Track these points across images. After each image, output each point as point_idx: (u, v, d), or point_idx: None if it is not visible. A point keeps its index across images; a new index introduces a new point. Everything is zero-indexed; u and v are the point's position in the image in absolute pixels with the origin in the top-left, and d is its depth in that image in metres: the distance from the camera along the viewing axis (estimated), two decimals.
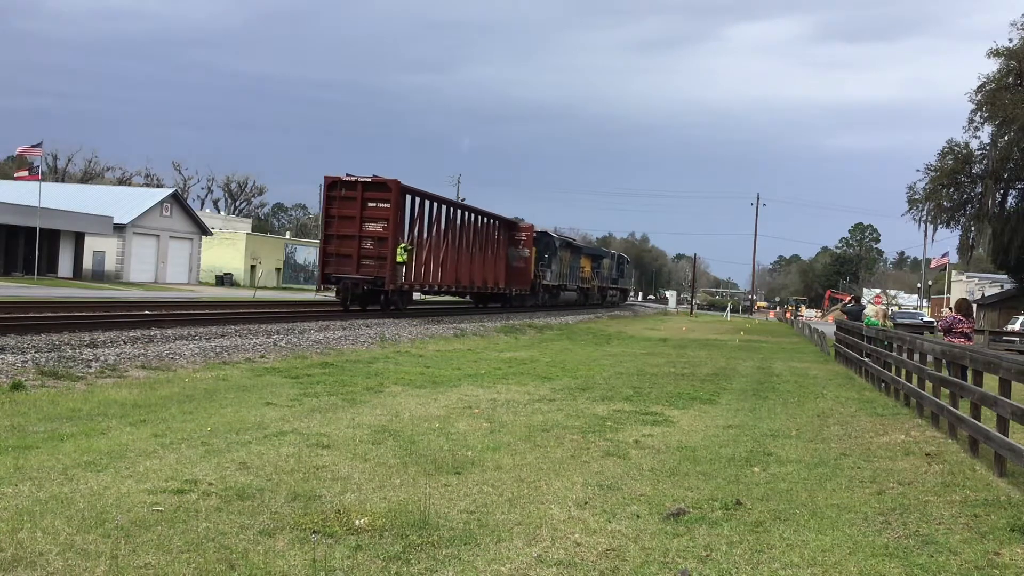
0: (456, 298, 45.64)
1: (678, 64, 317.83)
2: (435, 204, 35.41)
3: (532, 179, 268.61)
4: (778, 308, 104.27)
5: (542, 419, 10.85)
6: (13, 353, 13.16)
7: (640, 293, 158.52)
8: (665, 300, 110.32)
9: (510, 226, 47.39)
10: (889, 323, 23.03)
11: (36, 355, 13.19)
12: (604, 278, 69.20)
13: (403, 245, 30.85)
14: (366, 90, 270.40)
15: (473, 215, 40.64)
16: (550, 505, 6.68)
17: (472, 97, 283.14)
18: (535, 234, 48.86)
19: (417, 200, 33.24)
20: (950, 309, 17.84)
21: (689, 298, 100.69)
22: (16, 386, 10.95)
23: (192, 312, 25.14)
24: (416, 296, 38.71)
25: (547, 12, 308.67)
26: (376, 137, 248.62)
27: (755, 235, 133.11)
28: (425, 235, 34.19)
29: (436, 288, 36.55)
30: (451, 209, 37.70)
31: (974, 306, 44.93)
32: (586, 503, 6.81)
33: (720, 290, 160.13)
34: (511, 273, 46.03)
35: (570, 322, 41.86)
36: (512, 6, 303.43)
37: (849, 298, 55.58)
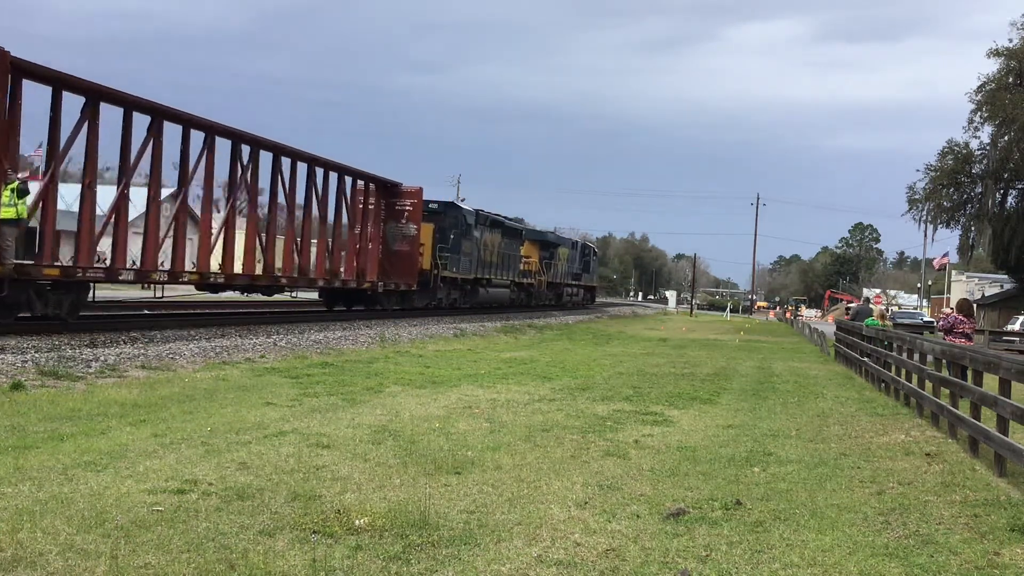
0: (269, 298, 29.18)
1: (679, 64, 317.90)
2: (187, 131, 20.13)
3: (532, 179, 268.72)
4: (778, 308, 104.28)
5: (542, 419, 10.85)
6: (13, 353, 13.16)
7: (640, 293, 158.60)
8: (665, 300, 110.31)
9: (385, 190, 30.87)
10: (888, 323, 23.03)
11: (36, 355, 13.19)
12: (561, 272, 53.88)
13: (12, 184, 15.51)
14: (365, 89, 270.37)
15: (300, 163, 25.16)
16: (550, 505, 6.68)
17: (472, 97, 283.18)
18: (434, 205, 34.43)
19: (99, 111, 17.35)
20: (951, 309, 17.83)
21: (689, 298, 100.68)
22: (16, 386, 10.95)
23: (192, 312, 25.12)
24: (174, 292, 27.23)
25: (548, 13, 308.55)
26: (375, 136, 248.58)
27: (755, 235, 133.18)
28: (142, 179, 20.27)
29: (212, 281, 21.52)
30: (247, 149, 22.62)
31: (975, 306, 44.97)
32: (586, 503, 6.81)
33: (720, 290, 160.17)
34: (389, 261, 30.86)
35: (570, 322, 41.84)
36: (513, 7, 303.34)
37: (853, 299, 55.58)
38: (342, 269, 28.69)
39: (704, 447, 9.52)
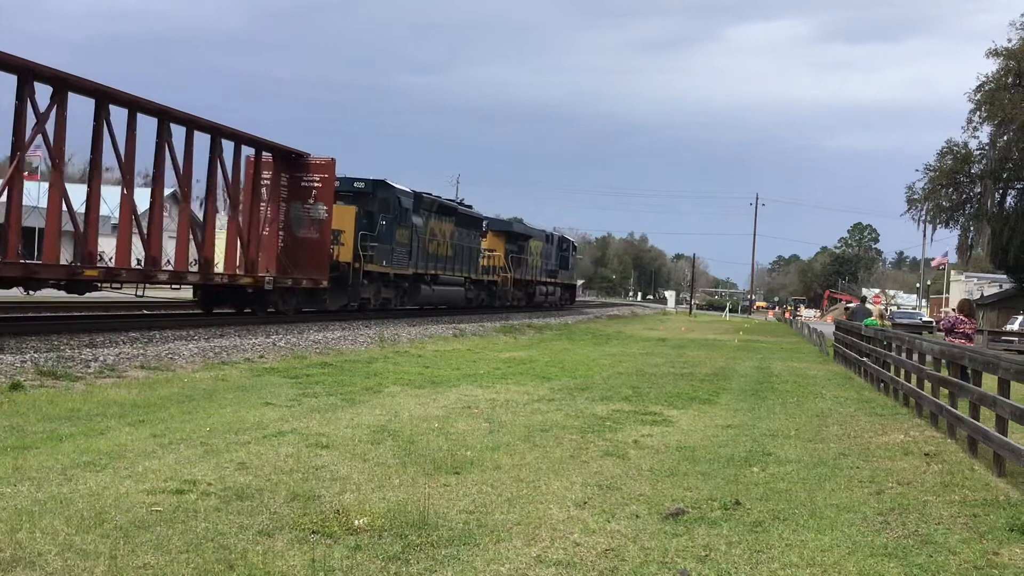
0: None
1: (679, 64, 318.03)
2: None
3: (532, 179, 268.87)
4: (777, 308, 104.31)
5: (541, 419, 10.85)
6: (12, 353, 13.15)
7: (639, 293, 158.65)
8: (664, 300, 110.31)
9: (287, 161, 24.86)
10: (887, 323, 23.04)
11: (35, 355, 13.18)
12: (532, 268, 47.19)
13: None
14: (364, 89, 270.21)
15: (142, 115, 19.04)
16: (549, 505, 6.68)
17: (472, 97, 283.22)
18: (360, 184, 28.38)
19: None
20: (953, 310, 17.82)
21: (688, 298, 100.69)
22: (15, 386, 10.94)
23: (192, 312, 25.10)
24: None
25: (547, 13, 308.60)
26: (374, 136, 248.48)
27: (754, 235, 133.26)
28: None
29: None
30: (48, 90, 16.61)
31: (976, 306, 44.96)
32: (585, 503, 6.81)
33: (719, 290, 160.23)
34: (293, 251, 24.72)
35: (569, 322, 41.83)
36: (512, 7, 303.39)
37: (852, 299, 55.56)
38: (219, 261, 22.52)
39: (703, 447, 9.52)
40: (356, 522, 5.86)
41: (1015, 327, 42.17)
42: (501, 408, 11.63)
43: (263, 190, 24.14)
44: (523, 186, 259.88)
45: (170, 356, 15.01)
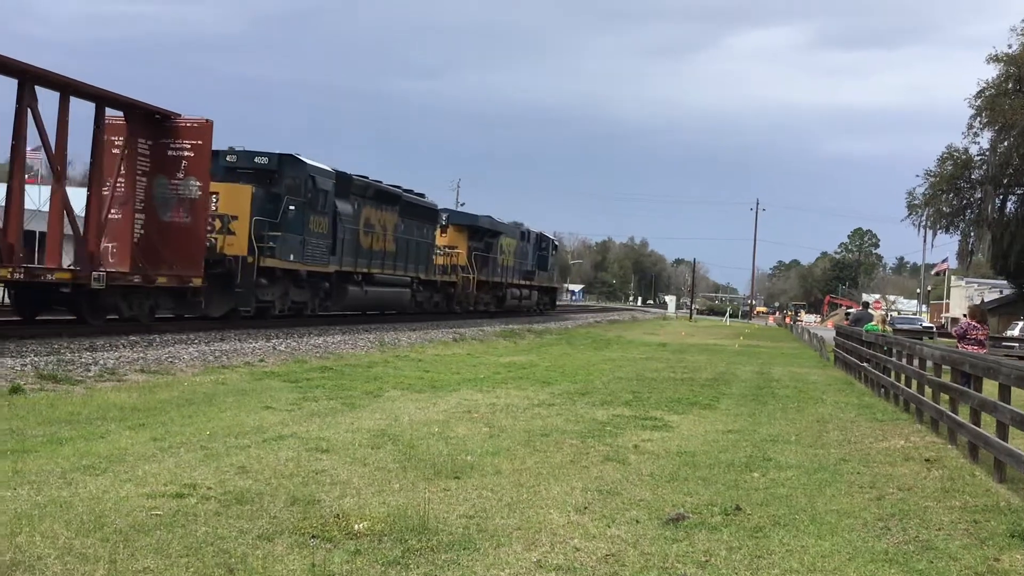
0: None
1: (679, 70, 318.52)
2: None
3: (532, 183, 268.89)
4: (777, 313, 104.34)
5: (541, 424, 10.85)
6: (12, 356, 13.15)
7: (639, 298, 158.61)
8: (664, 305, 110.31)
9: (146, 123, 19.22)
10: (889, 328, 23.04)
11: (35, 359, 13.18)
12: (503, 269, 41.85)
13: None
14: (366, 94, 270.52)
15: None
16: (549, 510, 6.67)
17: (472, 102, 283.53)
18: (261, 159, 23.16)
19: None
20: (964, 315, 17.77)
21: (688, 303, 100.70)
22: (15, 390, 10.93)
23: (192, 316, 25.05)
24: None
25: (548, 17, 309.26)
26: (375, 142, 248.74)
27: (755, 240, 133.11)
28: None
29: None
30: None
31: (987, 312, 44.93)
32: (585, 508, 6.81)
33: (719, 295, 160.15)
34: (159, 237, 19.25)
35: (569, 327, 41.83)
36: (512, 11, 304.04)
37: (852, 304, 55.48)
38: (36, 253, 18.32)
39: (704, 452, 9.51)
40: (356, 526, 5.85)
41: (1016, 333, 42.16)
42: (501, 413, 11.63)
43: (111, 159, 18.35)
44: (524, 190, 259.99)
45: (170, 360, 15.01)
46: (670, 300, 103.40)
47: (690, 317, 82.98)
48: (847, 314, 43.71)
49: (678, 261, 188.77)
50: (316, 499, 6.57)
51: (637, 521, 6.49)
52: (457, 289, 36.78)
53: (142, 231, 19.18)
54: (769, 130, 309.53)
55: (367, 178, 28.52)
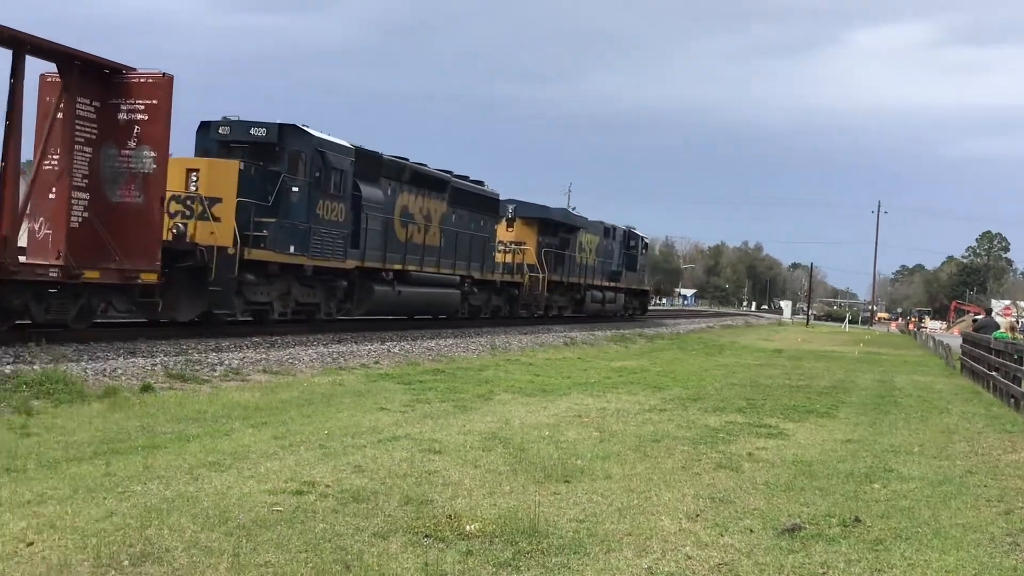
0: None
1: (793, 71, 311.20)
2: None
3: (644, 188, 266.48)
4: (900, 319, 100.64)
5: (652, 429, 10.76)
6: (143, 356, 13.80)
7: (753, 303, 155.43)
8: (779, 310, 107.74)
9: (92, 79, 14.65)
10: (1019, 336, 21.97)
11: (164, 359, 13.79)
12: (582, 268, 37.33)
13: None
14: (480, 101, 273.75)
15: None
16: (660, 516, 6.62)
17: (585, 107, 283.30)
18: (259, 131, 19.31)
19: None
20: None
21: (805, 308, 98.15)
22: (146, 388, 11.49)
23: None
24: None
25: (657, 21, 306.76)
26: (489, 147, 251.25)
27: (875, 244, 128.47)
28: None
29: None
30: None
31: None
32: (697, 515, 6.72)
33: (838, 300, 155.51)
34: (109, 222, 14.73)
35: (680, 332, 41.32)
36: (621, 16, 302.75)
37: (979, 311, 53.00)
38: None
39: (821, 461, 9.26)
40: (468, 527, 5.93)
41: None
42: (612, 417, 11.58)
43: (41, 123, 14.55)
44: (634, 196, 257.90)
45: (291, 361, 15.49)
46: (785, 305, 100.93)
47: (807, 323, 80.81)
48: (974, 320, 41.65)
49: (794, 265, 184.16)
50: (429, 499, 6.68)
51: (751, 530, 6.38)
52: (523, 290, 31.82)
53: (84, 214, 14.62)
54: (890, 130, 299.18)
55: (405, 159, 24.07)
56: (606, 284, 40.43)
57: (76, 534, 5.37)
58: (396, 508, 6.39)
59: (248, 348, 16.39)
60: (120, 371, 12.37)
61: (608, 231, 41.54)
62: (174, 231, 16.73)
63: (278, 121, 19.47)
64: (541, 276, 32.69)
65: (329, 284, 21.01)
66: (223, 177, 17.60)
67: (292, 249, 18.94)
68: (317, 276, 20.39)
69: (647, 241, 49.24)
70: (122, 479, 6.74)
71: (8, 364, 11.65)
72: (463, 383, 14.50)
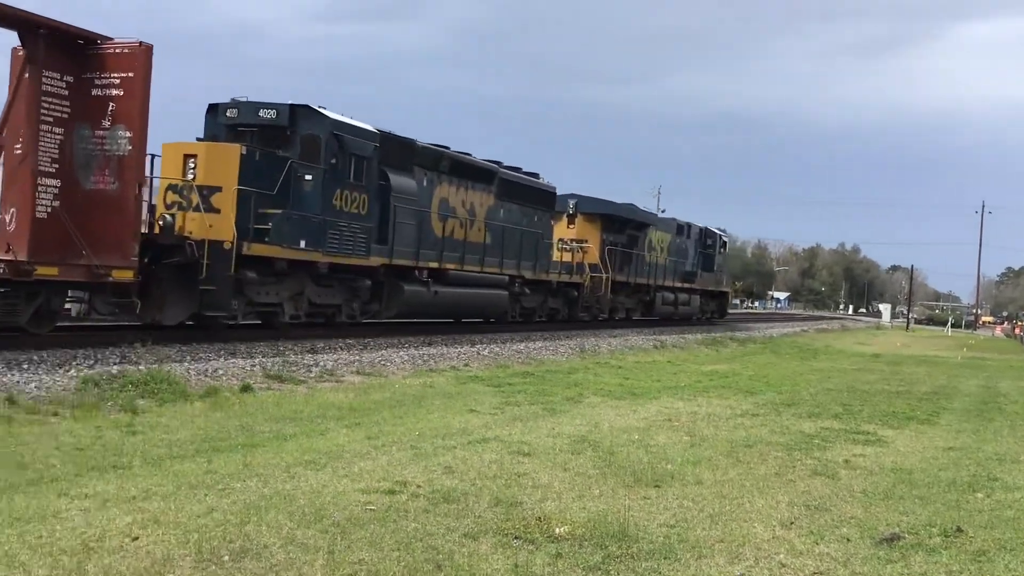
0: None
1: (891, 67, 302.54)
2: None
3: (734, 190, 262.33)
4: (1006, 323, 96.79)
5: (745, 434, 10.60)
6: (243, 357, 14.21)
7: (850, 307, 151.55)
8: (878, 314, 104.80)
9: (61, 50, 13.04)
10: None
11: (263, 360, 14.18)
12: (651, 268, 34.63)
13: None
14: (566, 103, 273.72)
15: None
16: (753, 523, 6.52)
17: (673, 108, 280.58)
18: (267, 113, 17.56)
19: None
20: None
21: (905, 312, 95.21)
22: (245, 388, 11.85)
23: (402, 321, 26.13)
24: None
25: (748, 19, 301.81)
26: (576, 149, 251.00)
27: (979, 245, 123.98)
28: None
29: None
30: None
31: None
32: (792, 523, 6.60)
33: (940, 304, 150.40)
34: (82, 212, 13.20)
35: (774, 335, 40.54)
36: (708, 15, 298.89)
37: None
38: None
39: (921, 469, 8.99)
40: (557, 530, 5.94)
41: None
42: (703, 422, 11.45)
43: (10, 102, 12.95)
44: (721, 197, 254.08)
45: (383, 363, 15.76)
46: (884, 308, 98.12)
47: (907, 327, 78.41)
48: None
49: (893, 268, 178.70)
50: (518, 501, 6.72)
51: (848, 539, 6.23)
52: (583, 291, 29.29)
53: (54, 203, 13.13)
54: (994, 127, 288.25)
55: (444, 147, 22.04)
56: (679, 285, 37.70)
57: (179, 529, 5.56)
58: (486, 509, 6.45)
59: (342, 350, 16.72)
60: (221, 371, 12.77)
61: (682, 228, 38.93)
62: (161, 223, 15.06)
63: (290, 102, 17.50)
64: (604, 276, 30.02)
65: (351, 284, 18.82)
66: (222, 163, 15.78)
67: (303, 244, 16.80)
68: (336, 275, 18.28)
69: (726, 239, 45.37)
70: (222, 476, 6.96)
71: (115, 364, 12.13)
72: (552, 386, 14.52)
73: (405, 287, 19.92)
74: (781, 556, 5.75)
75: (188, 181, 15.58)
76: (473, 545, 5.60)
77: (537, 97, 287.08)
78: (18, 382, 10.32)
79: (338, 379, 13.73)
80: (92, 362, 12.17)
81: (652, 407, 12.66)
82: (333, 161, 17.47)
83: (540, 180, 27.22)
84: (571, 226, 30.78)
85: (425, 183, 20.88)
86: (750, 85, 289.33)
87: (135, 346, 13.16)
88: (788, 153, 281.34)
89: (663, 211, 43.94)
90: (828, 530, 6.45)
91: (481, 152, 25.11)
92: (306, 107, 17.49)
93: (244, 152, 16.04)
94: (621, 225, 32.25)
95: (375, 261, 18.92)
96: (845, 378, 20.33)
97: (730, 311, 49.43)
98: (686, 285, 38.50)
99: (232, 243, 15.09)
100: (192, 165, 15.71)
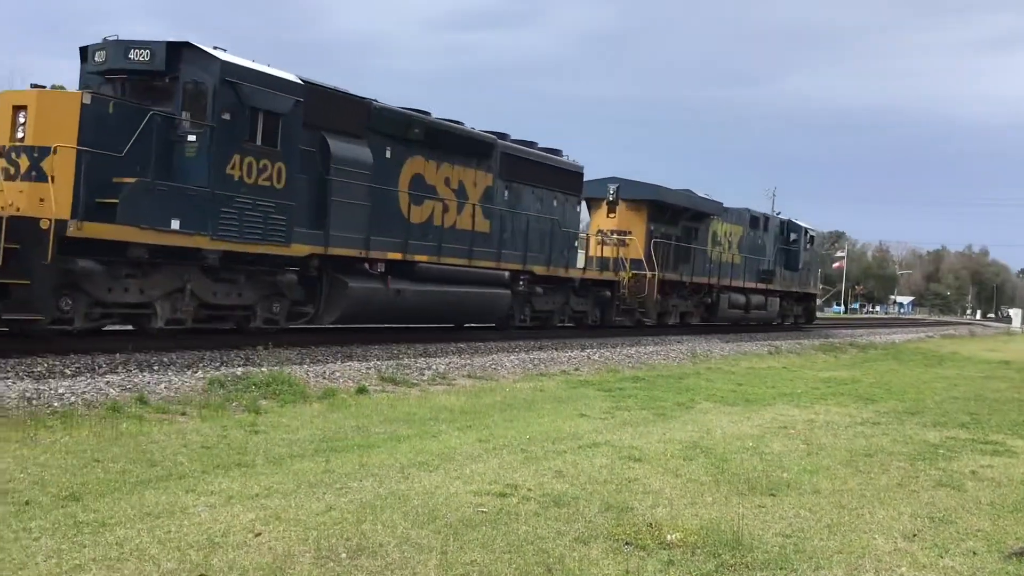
0: None
1: (1014, 63, 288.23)
2: None
3: (853, 190, 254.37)
4: None
5: (864, 443, 10.28)
6: (358, 360, 14.56)
7: (978, 312, 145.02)
8: (1008, 319, 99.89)
9: None
10: None
11: (377, 363, 14.50)
12: (717, 266, 30.23)
13: None
14: (680, 105, 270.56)
15: None
16: (873, 535, 6.32)
17: (788, 107, 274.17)
18: (140, 55, 13.40)
19: None
20: None
21: None
22: (361, 390, 12.15)
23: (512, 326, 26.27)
24: None
25: (876, 15, 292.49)
26: (688, 152, 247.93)
27: None
28: None
29: None
30: None
31: None
32: (914, 535, 6.37)
33: None
34: None
35: (896, 341, 39.15)
36: (835, 11, 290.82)
37: None
38: None
39: None
40: (669, 537, 5.89)
41: None
42: (820, 430, 11.15)
43: None
44: (845, 198, 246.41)
45: (494, 367, 15.90)
46: (1015, 314, 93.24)
47: None
48: None
49: None
50: (629, 506, 6.69)
51: (974, 553, 5.98)
52: (621, 292, 24.84)
53: None
54: None
55: (422, 112, 18.00)
56: (752, 286, 32.71)
57: (299, 526, 5.75)
58: (597, 514, 6.44)
59: (453, 353, 16.95)
60: (338, 374, 13.11)
61: (756, 220, 33.87)
62: None
63: (171, 39, 13.72)
64: (650, 274, 25.61)
65: (267, 279, 14.91)
66: (59, 117, 12.18)
67: (176, 225, 12.90)
68: (240, 266, 14.32)
69: (813, 234, 39.23)
70: (340, 476, 7.15)
71: (239, 366, 12.61)
72: (663, 391, 14.38)
73: (350, 283, 15.90)
74: (903, 569, 5.56)
75: (18, 141, 12.15)
76: (584, 550, 5.60)
77: (655, 98, 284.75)
78: (148, 383, 10.82)
79: (450, 382, 13.93)
80: (218, 364, 12.68)
81: (767, 414, 12.41)
82: (227, 117, 13.54)
83: (562, 157, 23.02)
84: (611, 215, 26.69)
85: (389, 154, 16.94)
86: (875, 82, 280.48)
87: (258, 349, 13.67)
88: (914, 152, 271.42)
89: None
90: (953, 543, 6.20)
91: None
92: (188, 45, 13.62)
93: (88, 102, 12.40)
94: (674, 215, 27.97)
95: (300, 250, 14.89)
96: (972, 386, 19.47)
97: (847, 316, 47.04)
98: (761, 286, 33.71)
99: (53, 222, 11.51)
100: (22, 120, 12.23)
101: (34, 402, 9.35)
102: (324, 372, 13.04)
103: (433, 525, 5.94)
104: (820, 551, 5.86)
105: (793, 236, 36.81)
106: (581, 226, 25.29)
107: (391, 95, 15.21)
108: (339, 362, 14.13)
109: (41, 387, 9.86)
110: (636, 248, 25.90)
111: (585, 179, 24.41)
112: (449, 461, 7.93)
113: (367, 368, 13.89)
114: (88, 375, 10.86)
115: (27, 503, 5.95)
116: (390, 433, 9.24)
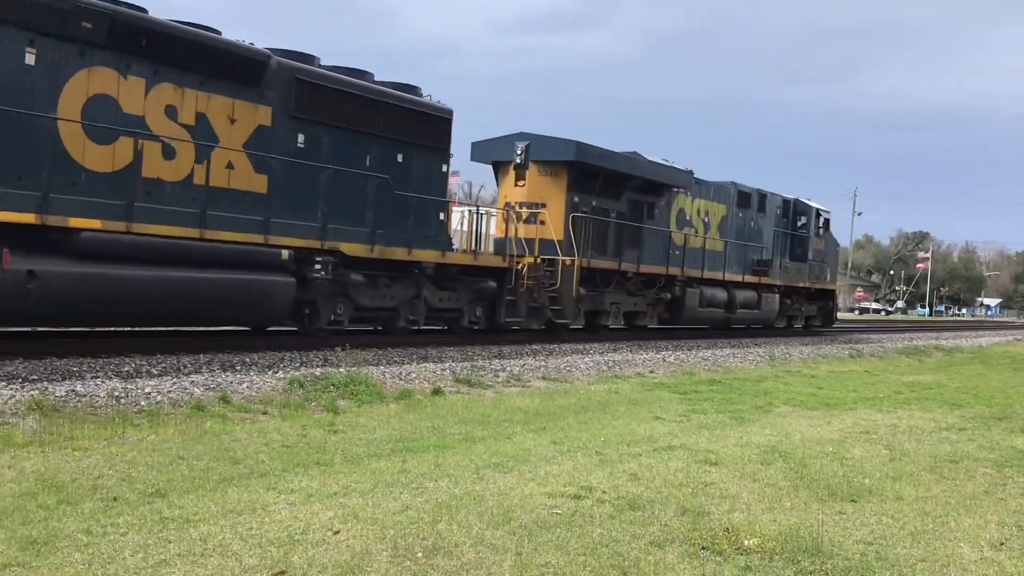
0: None
1: None
2: None
3: (938, 190, 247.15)
4: None
5: (950, 449, 9.99)
6: (434, 362, 14.70)
7: None
8: None
9: None
10: None
11: (453, 364, 14.61)
12: (685, 253, 23.86)
13: None
14: (757, 105, 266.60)
15: None
16: (959, 543, 6.15)
17: (868, 105, 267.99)
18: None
19: None
20: None
21: None
22: (436, 391, 12.26)
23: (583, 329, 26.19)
24: None
25: (957, 10, 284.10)
26: (763, 152, 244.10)
27: None
28: None
29: None
30: None
31: None
32: (1002, 544, 6.18)
33: None
34: None
35: (983, 345, 37.93)
36: (913, 6, 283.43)
37: None
38: None
39: None
40: (746, 542, 5.81)
41: None
42: (903, 435, 10.88)
43: None
44: (929, 198, 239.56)
45: (568, 369, 15.88)
46: None
47: None
48: None
49: None
50: (705, 511, 6.62)
51: None
52: (518, 283, 18.79)
53: None
54: None
55: (130, 4, 12.17)
56: (739, 279, 26.38)
57: (376, 525, 5.83)
58: (672, 518, 6.39)
59: (528, 356, 16.98)
60: (414, 375, 13.26)
61: (746, 198, 27.18)
62: None
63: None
64: (565, 260, 19.71)
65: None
66: None
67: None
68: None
69: (827, 216, 31.49)
70: (416, 476, 7.23)
71: (319, 367, 12.84)
72: (740, 394, 14.19)
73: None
74: None
75: None
76: (659, 553, 5.57)
77: (728, 97, 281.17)
78: (231, 383, 11.09)
79: (524, 384, 13.96)
80: (298, 364, 12.94)
81: (847, 418, 12.15)
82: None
83: (419, 97, 16.85)
84: (520, 183, 20.35)
85: (35, 61, 11.11)
86: (958, 79, 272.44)
87: (336, 350, 13.91)
88: (1001, 150, 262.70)
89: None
90: None
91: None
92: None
93: None
94: (614, 184, 21.48)
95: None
96: None
97: (933, 318, 44.49)
98: (753, 279, 27.11)
99: None
100: None
101: (122, 401, 9.67)
102: (400, 373, 13.20)
103: (508, 526, 5.96)
104: (903, 559, 5.72)
105: (801, 219, 29.99)
106: (459, 193, 19.48)
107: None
108: (415, 363, 14.29)
109: (129, 386, 10.18)
110: (551, 226, 19.85)
111: (493, 136, 20.45)
112: (523, 463, 7.95)
113: (442, 369, 14.01)
114: (173, 375, 11.18)
115: (115, 499, 6.16)
116: (465, 434, 9.31)
